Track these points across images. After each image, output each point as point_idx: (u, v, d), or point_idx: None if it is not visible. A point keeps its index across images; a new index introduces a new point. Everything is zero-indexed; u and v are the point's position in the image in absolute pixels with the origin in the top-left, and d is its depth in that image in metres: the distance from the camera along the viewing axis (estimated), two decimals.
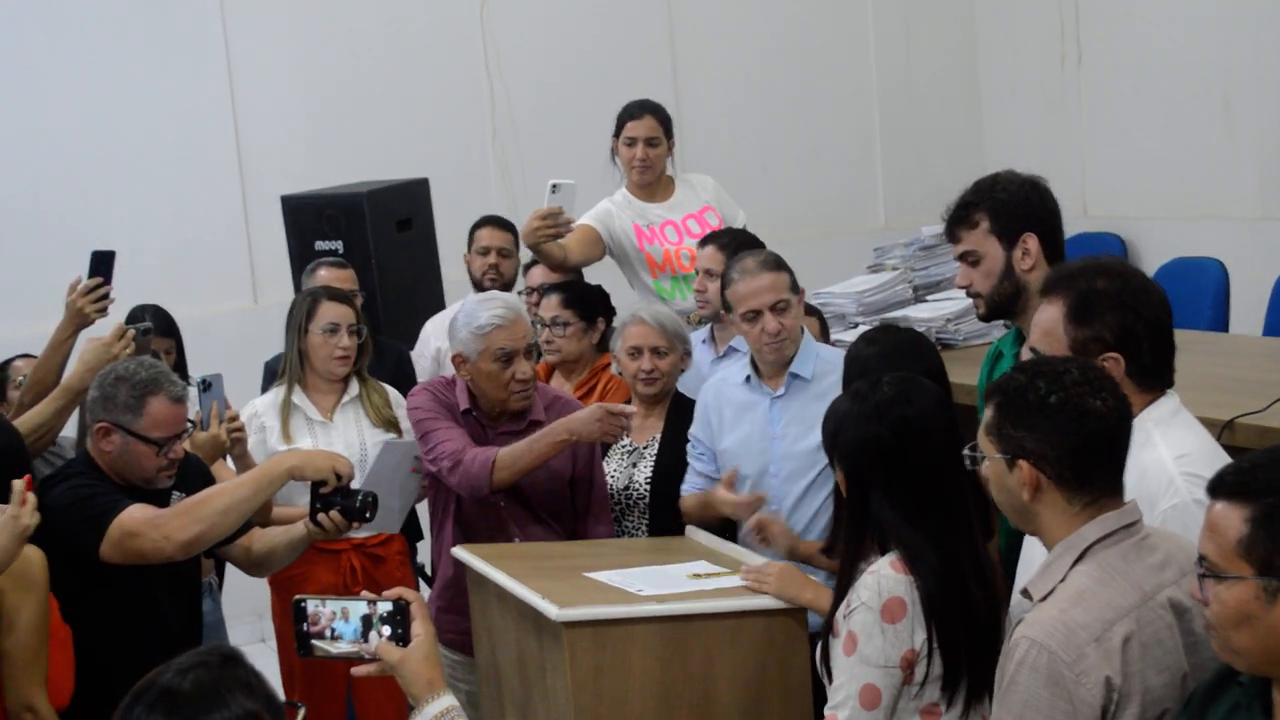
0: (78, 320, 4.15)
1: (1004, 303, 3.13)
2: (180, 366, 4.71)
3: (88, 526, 3.20)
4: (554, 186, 4.55)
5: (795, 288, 3.69)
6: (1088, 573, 2.24)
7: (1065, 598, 2.22)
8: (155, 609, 3.37)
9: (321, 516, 3.37)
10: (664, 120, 5.07)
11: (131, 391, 3.32)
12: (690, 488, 3.82)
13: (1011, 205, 3.09)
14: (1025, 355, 2.70)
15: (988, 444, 2.33)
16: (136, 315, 4.38)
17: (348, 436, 4.26)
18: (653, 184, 5.05)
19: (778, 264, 3.70)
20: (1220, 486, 1.99)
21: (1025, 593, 2.32)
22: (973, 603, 2.56)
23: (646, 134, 5.01)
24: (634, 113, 5.05)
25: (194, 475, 3.55)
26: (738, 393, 3.76)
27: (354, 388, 4.36)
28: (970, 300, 4.91)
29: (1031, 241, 3.07)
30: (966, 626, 2.55)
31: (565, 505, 3.85)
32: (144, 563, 3.23)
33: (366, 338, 4.38)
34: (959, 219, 3.15)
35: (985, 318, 3.24)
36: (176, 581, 3.45)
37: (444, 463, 3.70)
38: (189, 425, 3.48)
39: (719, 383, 3.84)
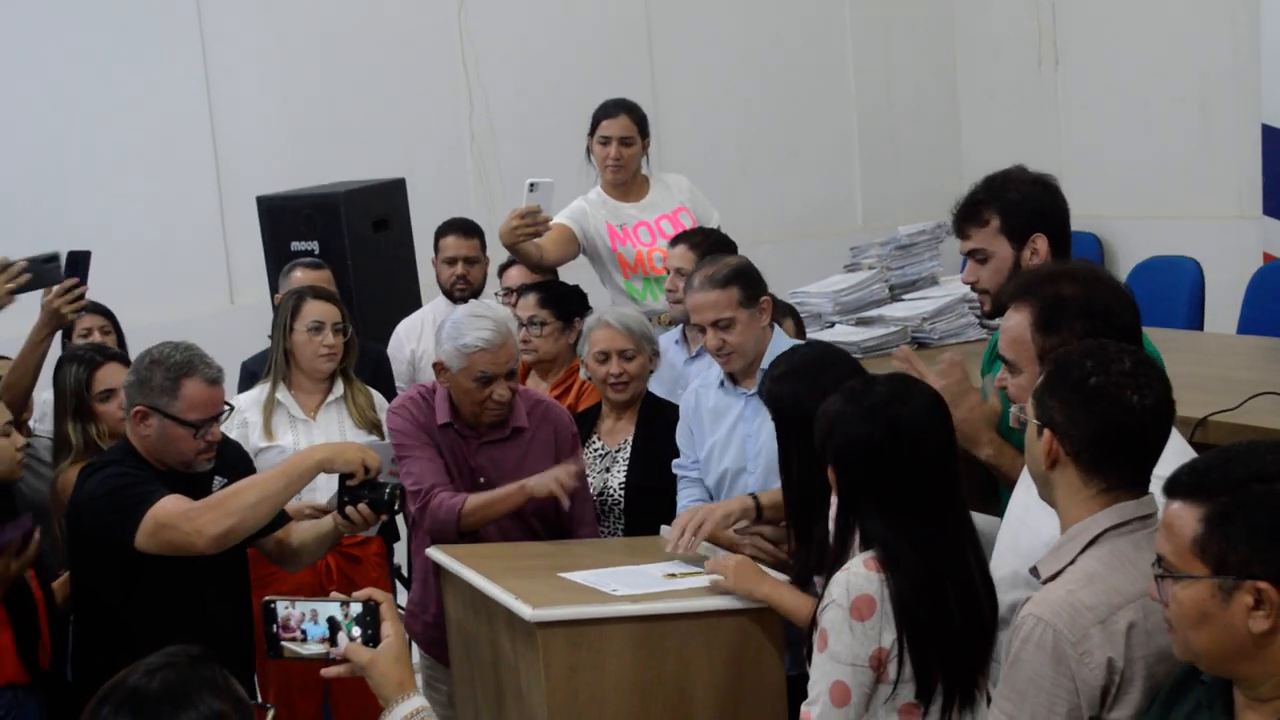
0: (54, 321, 4.13)
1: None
2: (121, 346, 4.67)
3: (123, 516, 3.21)
4: (531, 185, 4.54)
5: (749, 301, 3.64)
6: (1098, 557, 2.25)
7: (1074, 579, 2.23)
8: (204, 609, 3.36)
9: (350, 510, 3.36)
10: (639, 119, 5.06)
11: (167, 374, 3.33)
12: (692, 500, 3.78)
13: (1023, 205, 3.09)
14: (1002, 369, 2.70)
15: (1032, 406, 2.36)
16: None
17: (330, 436, 4.24)
18: (627, 183, 5.04)
19: (726, 281, 3.65)
20: (1175, 486, 2.00)
21: (1034, 571, 2.34)
22: (949, 610, 2.54)
23: (620, 133, 5.00)
24: (609, 111, 5.05)
25: (235, 460, 3.58)
26: (714, 395, 3.76)
27: (339, 388, 4.36)
28: (948, 299, 4.98)
29: (1041, 242, 3.07)
30: (941, 633, 2.54)
31: (551, 514, 3.83)
32: (177, 554, 3.24)
33: (353, 336, 4.38)
34: (969, 216, 3.13)
35: (990, 314, 3.23)
36: (224, 579, 3.45)
37: (413, 502, 3.70)
38: (227, 407, 3.47)
39: (696, 390, 3.84)
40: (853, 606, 2.52)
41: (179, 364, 3.36)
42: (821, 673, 2.55)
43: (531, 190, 4.52)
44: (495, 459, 3.76)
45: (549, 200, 4.56)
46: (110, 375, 4.02)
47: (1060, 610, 2.19)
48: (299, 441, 4.22)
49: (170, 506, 3.23)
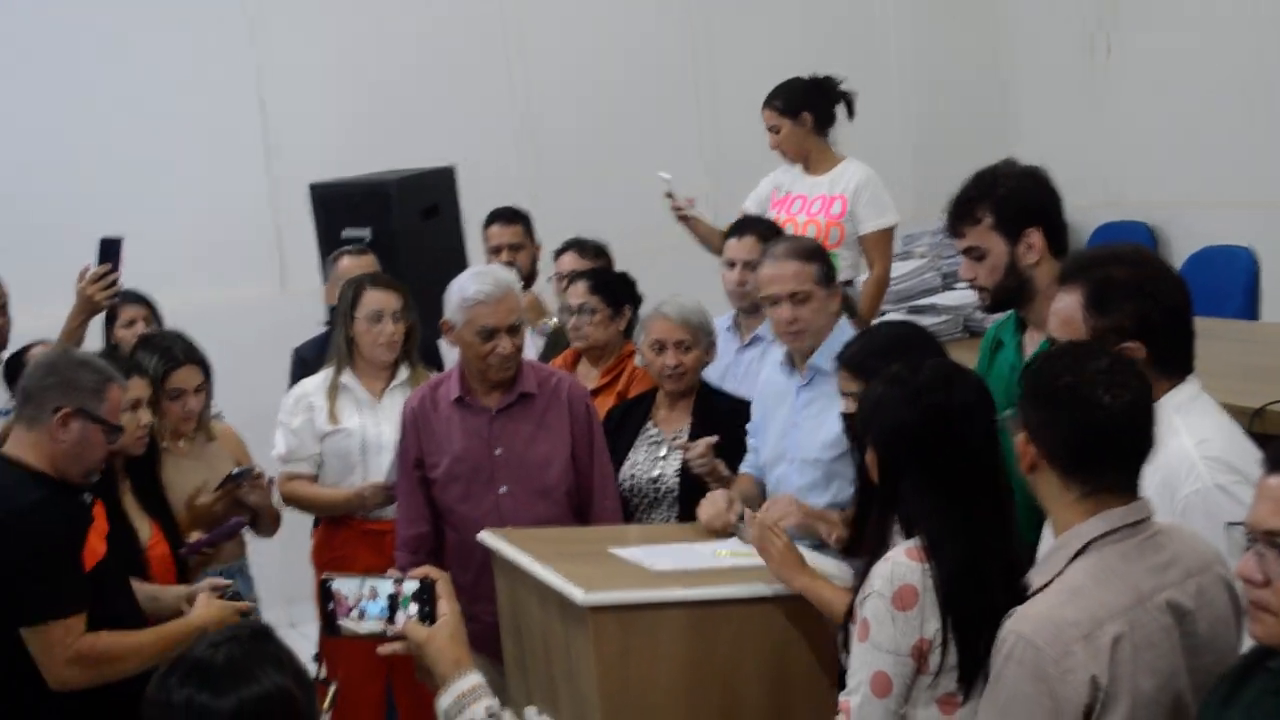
0: (88, 307, 4.19)
1: (1008, 297, 3.13)
2: None
3: (34, 601, 3.06)
4: (661, 178, 5.26)
5: (826, 281, 3.62)
6: (1085, 569, 2.22)
7: (1058, 593, 2.20)
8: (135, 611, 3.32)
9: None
10: (781, 106, 5.24)
11: (96, 375, 3.20)
12: (746, 467, 3.83)
13: (1014, 200, 3.07)
14: (1027, 344, 2.68)
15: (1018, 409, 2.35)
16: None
17: (395, 419, 4.26)
18: (807, 157, 5.22)
19: (810, 255, 3.65)
20: (1275, 461, 1.97)
21: (1026, 583, 2.31)
22: (993, 598, 2.52)
23: (768, 123, 5.27)
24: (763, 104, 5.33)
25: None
26: (779, 378, 3.73)
27: (403, 373, 4.40)
28: None
29: (1035, 236, 3.05)
30: (985, 620, 2.52)
31: (570, 484, 3.88)
32: (31, 659, 3.08)
33: (414, 323, 4.41)
34: (961, 214, 3.12)
35: (990, 310, 3.23)
36: (134, 602, 3.39)
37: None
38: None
39: (770, 369, 3.82)
40: (895, 596, 2.50)
41: (105, 366, 3.24)
42: (862, 662, 2.54)
43: (663, 181, 5.27)
44: (510, 429, 3.86)
45: (671, 189, 5.28)
46: (187, 376, 4.07)
47: (1041, 626, 2.16)
48: (365, 424, 4.30)
49: (59, 634, 3.06)
